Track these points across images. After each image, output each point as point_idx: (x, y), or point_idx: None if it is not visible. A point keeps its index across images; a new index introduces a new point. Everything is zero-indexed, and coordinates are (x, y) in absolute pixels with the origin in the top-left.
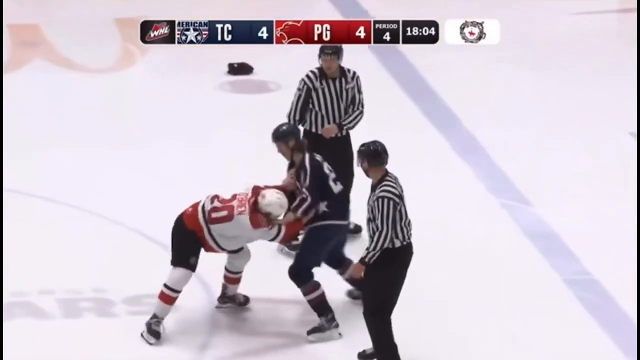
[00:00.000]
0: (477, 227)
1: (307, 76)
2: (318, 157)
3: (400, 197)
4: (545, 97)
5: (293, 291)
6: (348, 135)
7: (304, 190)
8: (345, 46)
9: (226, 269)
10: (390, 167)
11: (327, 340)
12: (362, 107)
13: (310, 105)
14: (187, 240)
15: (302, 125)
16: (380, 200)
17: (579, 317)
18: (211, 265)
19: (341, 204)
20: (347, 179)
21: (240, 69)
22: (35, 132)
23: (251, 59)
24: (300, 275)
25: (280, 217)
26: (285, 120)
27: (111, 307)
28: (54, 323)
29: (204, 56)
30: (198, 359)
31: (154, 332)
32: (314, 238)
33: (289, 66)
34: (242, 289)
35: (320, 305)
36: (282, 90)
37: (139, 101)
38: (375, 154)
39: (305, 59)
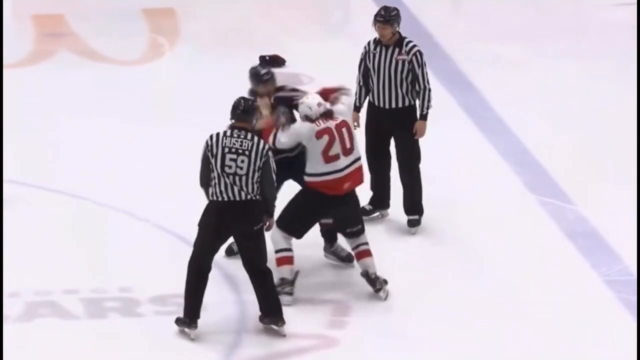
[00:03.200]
0: (514, 224)
1: (368, 42)
2: None
3: (216, 150)
4: (592, 93)
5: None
6: (409, 108)
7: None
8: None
9: None
10: (431, 162)
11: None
12: (428, 83)
13: None
14: None
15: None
16: None
17: (620, 318)
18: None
19: None
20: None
21: (272, 61)
22: (60, 128)
23: (283, 52)
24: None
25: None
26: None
27: (137, 306)
28: (78, 323)
29: (234, 49)
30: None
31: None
32: None
33: (322, 59)
34: None
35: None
36: (315, 83)
37: (166, 95)
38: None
39: (339, 51)
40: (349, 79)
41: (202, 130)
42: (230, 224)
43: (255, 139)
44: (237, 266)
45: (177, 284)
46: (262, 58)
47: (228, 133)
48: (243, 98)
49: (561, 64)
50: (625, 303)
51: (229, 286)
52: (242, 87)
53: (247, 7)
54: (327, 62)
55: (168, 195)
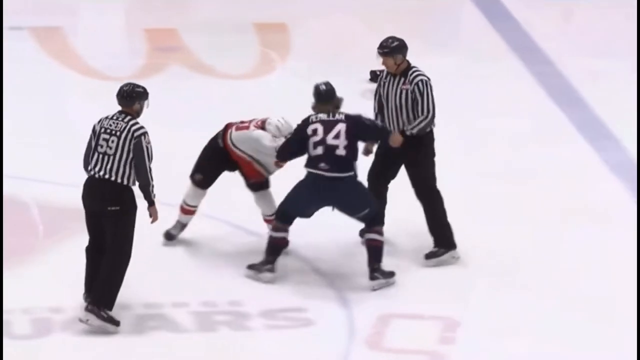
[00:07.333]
0: (627, 243)
1: (382, 70)
2: (315, 117)
3: (97, 130)
4: None
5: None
6: (417, 137)
7: None
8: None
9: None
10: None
11: (255, 278)
12: (428, 112)
13: None
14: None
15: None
16: None
17: None
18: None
19: (318, 159)
20: (412, 179)
21: None
22: (170, 141)
23: None
24: (278, 213)
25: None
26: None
27: (247, 320)
28: (188, 336)
29: (346, 63)
30: None
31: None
32: (294, 187)
33: (434, 73)
34: None
35: (270, 248)
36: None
37: (277, 109)
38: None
39: (447, 66)
40: (460, 94)
41: None
42: (90, 199)
43: (131, 122)
44: (346, 284)
45: (288, 297)
46: (372, 73)
47: (111, 116)
48: (127, 84)
49: None
50: None
51: (338, 301)
52: (351, 101)
53: (357, 21)
54: (435, 77)
55: None
